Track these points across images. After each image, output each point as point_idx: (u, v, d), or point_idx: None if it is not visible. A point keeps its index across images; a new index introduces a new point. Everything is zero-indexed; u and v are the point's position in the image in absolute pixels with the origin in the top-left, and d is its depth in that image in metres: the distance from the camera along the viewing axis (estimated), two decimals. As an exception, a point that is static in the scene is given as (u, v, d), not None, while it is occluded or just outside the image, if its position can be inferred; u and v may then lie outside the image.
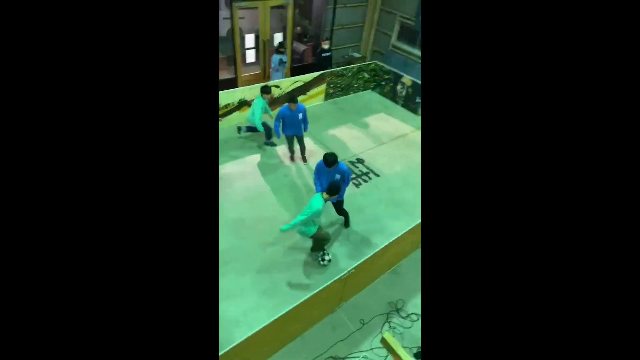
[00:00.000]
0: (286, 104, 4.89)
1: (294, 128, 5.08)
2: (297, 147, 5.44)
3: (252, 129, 5.68)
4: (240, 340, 2.50)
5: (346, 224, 4.55)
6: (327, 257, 4.00)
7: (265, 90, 5.26)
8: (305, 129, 5.21)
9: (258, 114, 5.27)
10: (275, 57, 6.40)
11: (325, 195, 3.43)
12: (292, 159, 5.55)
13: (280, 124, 5.01)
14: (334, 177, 3.94)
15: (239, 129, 5.78)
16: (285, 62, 6.53)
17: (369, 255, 3.31)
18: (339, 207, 4.36)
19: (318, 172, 4.07)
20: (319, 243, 3.87)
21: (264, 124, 5.50)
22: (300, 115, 4.99)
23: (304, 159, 5.57)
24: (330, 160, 3.80)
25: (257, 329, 2.58)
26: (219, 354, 2.39)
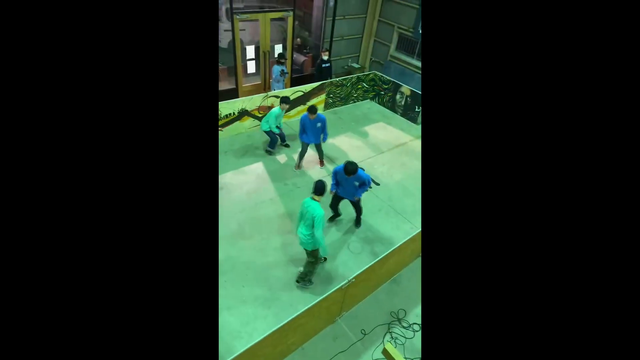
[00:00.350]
0: (306, 112, 5.08)
1: (311, 136, 5.25)
2: (309, 153, 5.57)
3: (272, 144, 5.82)
4: (241, 351, 2.47)
5: (358, 222, 4.64)
6: (312, 279, 3.90)
7: (284, 101, 5.46)
8: (323, 140, 5.39)
9: (272, 121, 5.46)
10: (276, 68, 6.48)
11: (316, 197, 3.40)
12: (297, 166, 5.60)
13: (302, 130, 5.22)
14: (352, 183, 4.01)
15: (269, 151, 5.89)
16: (286, 73, 6.61)
17: (370, 265, 3.29)
18: (356, 205, 4.46)
19: (335, 177, 4.14)
20: (312, 265, 3.74)
21: (270, 133, 5.63)
22: (319, 125, 5.15)
23: (321, 163, 5.74)
24: (350, 169, 3.84)
25: (257, 340, 2.55)
26: (218, 365, 2.36)
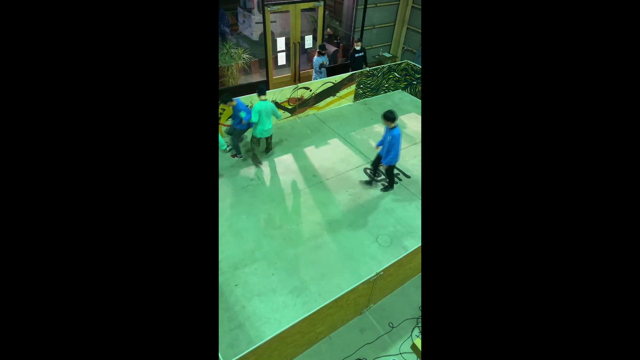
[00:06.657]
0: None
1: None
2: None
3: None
4: (271, 336, 2.56)
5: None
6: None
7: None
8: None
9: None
10: (317, 60, 6.52)
11: (263, 97, 4.94)
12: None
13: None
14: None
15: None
16: (327, 64, 6.63)
17: (398, 258, 3.26)
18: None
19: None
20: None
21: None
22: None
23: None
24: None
25: (286, 327, 2.63)
26: (250, 349, 2.46)
